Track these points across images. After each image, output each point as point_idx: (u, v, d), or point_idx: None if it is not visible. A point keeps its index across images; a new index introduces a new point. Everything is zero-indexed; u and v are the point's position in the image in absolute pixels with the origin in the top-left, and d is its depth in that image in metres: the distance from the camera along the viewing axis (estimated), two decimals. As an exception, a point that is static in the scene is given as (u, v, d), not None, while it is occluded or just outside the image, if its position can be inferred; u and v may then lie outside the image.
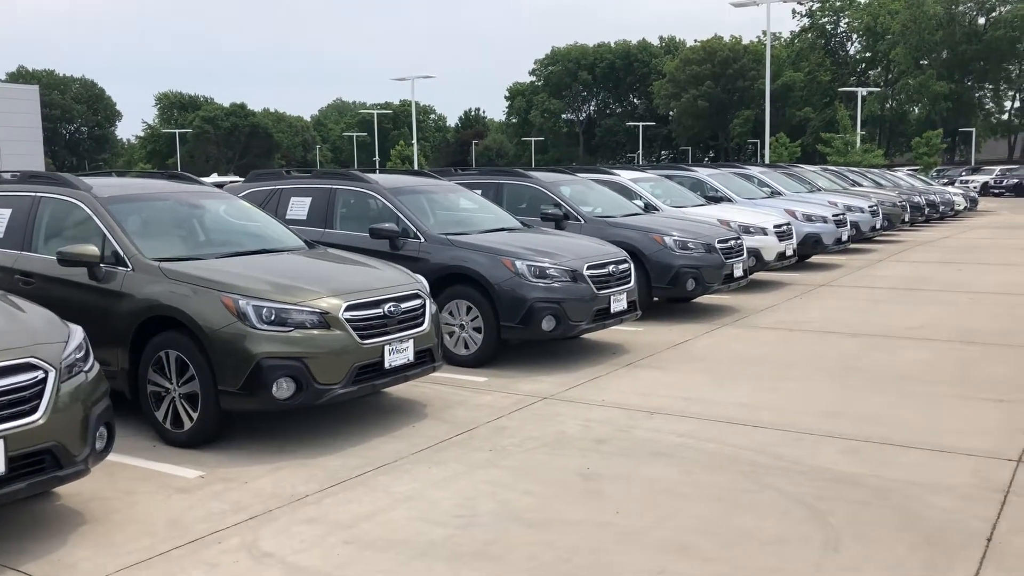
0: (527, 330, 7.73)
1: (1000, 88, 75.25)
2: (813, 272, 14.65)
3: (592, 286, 7.98)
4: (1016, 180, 49.31)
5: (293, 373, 5.47)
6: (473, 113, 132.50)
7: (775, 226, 12.74)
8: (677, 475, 5.18)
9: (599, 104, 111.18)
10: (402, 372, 6.05)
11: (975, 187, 48.30)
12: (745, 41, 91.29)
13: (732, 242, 10.75)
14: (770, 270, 13.32)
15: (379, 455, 5.58)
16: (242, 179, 10.13)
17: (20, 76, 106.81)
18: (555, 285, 7.81)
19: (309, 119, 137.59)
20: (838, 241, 15.07)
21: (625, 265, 8.54)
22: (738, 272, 10.67)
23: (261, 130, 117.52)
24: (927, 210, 25.24)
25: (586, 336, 9.02)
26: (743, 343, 9.04)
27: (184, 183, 7.45)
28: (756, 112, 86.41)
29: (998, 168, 54.50)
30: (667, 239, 10.21)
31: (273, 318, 5.50)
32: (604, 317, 8.13)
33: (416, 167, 50.03)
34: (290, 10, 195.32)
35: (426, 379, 7.19)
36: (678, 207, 13.16)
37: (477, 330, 7.91)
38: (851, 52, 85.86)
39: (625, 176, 13.55)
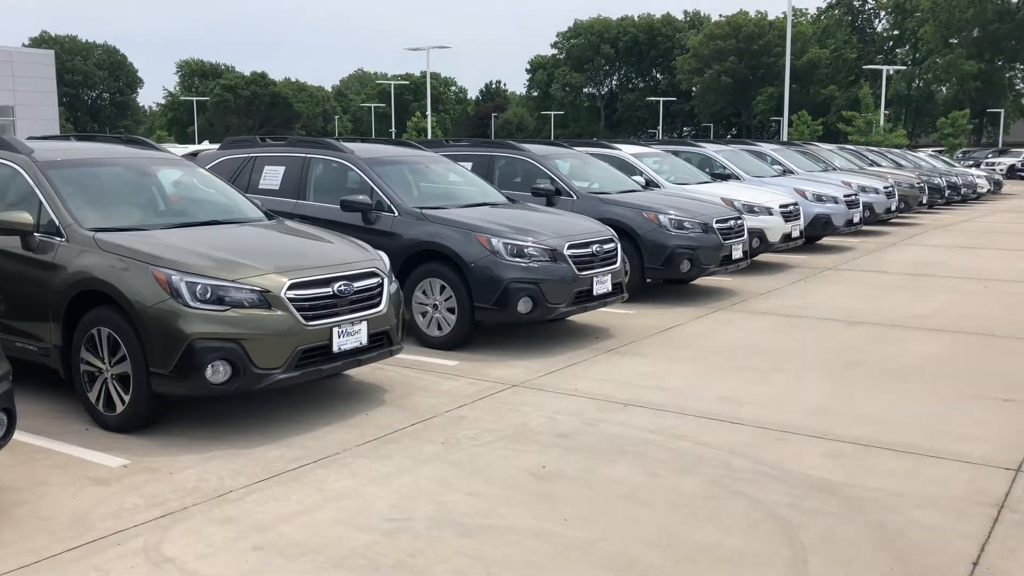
0: (502, 312, 7.28)
1: (1032, 68, 73.24)
2: (822, 255, 14.06)
3: (573, 266, 7.50)
4: (1044, 163, 47.99)
5: (229, 356, 5.05)
6: (494, 86, 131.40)
7: (781, 206, 12.16)
8: (640, 477, 4.73)
9: (621, 79, 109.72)
10: (354, 356, 5.62)
11: (1001, 169, 47.08)
12: (771, 17, 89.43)
13: (732, 222, 10.21)
14: (776, 252, 12.77)
15: (323, 445, 5.17)
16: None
17: (43, 41, 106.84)
18: (533, 265, 7.33)
19: (330, 89, 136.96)
20: (849, 223, 14.46)
21: (611, 245, 8.05)
22: (737, 254, 10.14)
23: (281, 100, 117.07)
24: (948, 192, 24.45)
25: (571, 318, 8.56)
26: (736, 330, 8.55)
27: (139, 148, 7.02)
28: (780, 89, 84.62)
29: (1026, 150, 53.07)
30: (662, 217, 9.69)
31: (208, 296, 5.08)
32: (586, 300, 7.66)
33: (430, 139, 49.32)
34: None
35: (392, 362, 6.80)
36: (681, 184, 12.61)
37: (451, 311, 7.46)
38: (878, 29, 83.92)
39: (627, 151, 12.99)
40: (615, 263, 8.02)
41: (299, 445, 5.18)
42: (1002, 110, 67.45)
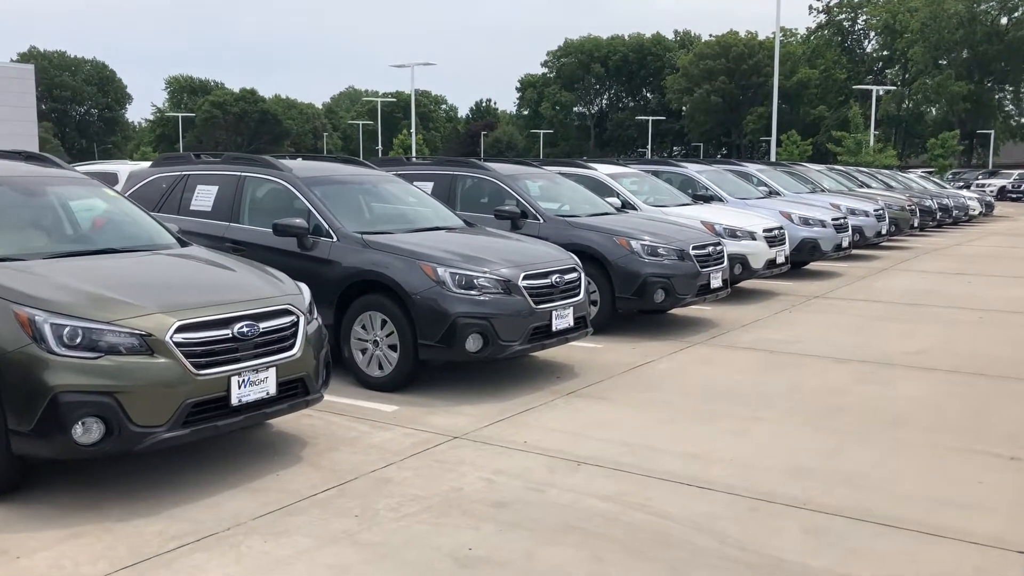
0: (449, 350, 6.50)
1: (1021, 90, 73.31)
2: (809, 281, 13.34)
3: (529, 299, 6.73)
4: (1034, 185, 47.63)
5: (101, 412, 4.27)
6: (484, 104, 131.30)
7: (765, 230, 11.45)
8: (582, 564, 3.95)
9: (611, 98, 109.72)
10: (259, 409, 4.83)
11: (992, 191, 46.67)
12: (761, 37, 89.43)
13: (711, 248, 9.47)
14: (760, 279, 12.05)
15: (215, 517, 4.38)
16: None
17: (32, 57, 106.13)
18: (484, 298, 6.57)
19: (321, 106, 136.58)
20: (838, 247, 13.76)
21: (574, 274, 7.29)
22: (716, 283, 9.39)
23: (271, 116, 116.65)
24: (939, 215, 23.83)
25: (534, 354, 7.78)
26: (713, 368, 7.79)
27: (38, 165, 6.24)
28: (770, 109, 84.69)
29: (1016, 172, 52.74)
30: (634, 243, 8.95)
31: (79, 340, 4.30)
32: (544, 336, 6.89)
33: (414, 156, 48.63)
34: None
35: (323, 407, 6.04)
36: (660, 206, 11.89)
37: (393, 348, 6.69)
38: (868, 50, 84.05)
39: (602, 171, 12.28)
40: (578, 295, 7.26)
41: (187, 517, 4.38)
42: (992, 131, 67.28)
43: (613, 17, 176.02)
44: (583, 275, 7.47)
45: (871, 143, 43.35)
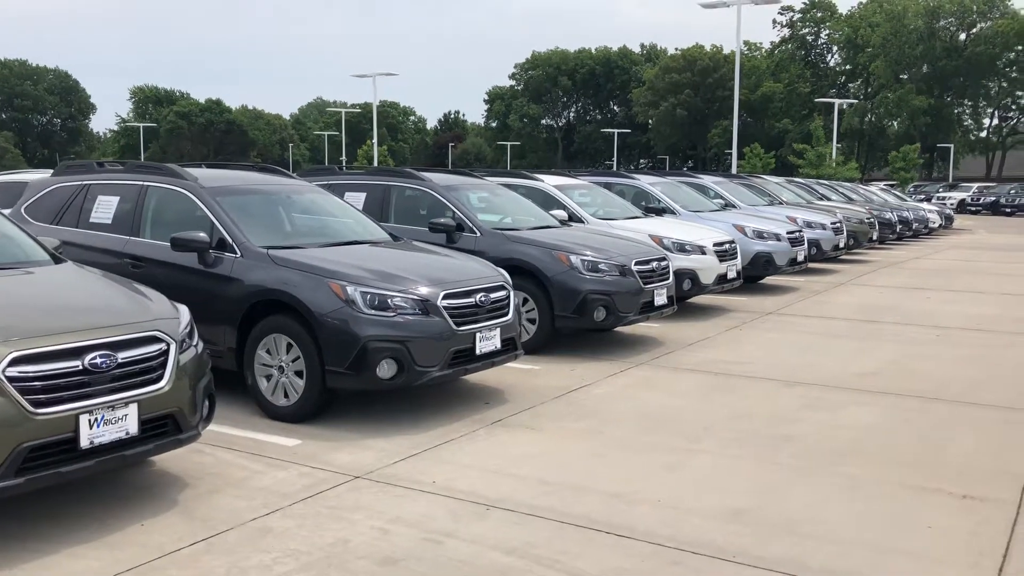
0: (359, 377, 5.92)
1: (979, 105, 74.44)
2: (763, 296, 12.93)
3: (449, 320, 6.17)
4: (993, 198, 48.17)
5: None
6: (452, 116, 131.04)
7: (715, 244, 11.00)
8: (471, 636, 3.39)
9: (579, 110, 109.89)
10: (115, 452, 4.21)
11: (952, 204, 47.06)
12: (726, 51, 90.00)
13: (655, 264, 8.98)
14: (711, 294, 11.60)
15: (51, 581, 3.76)
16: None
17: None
18: (399, 319, 6.00)
19: (289, 117, 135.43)
20: (793, 262, 13.37)
21: (501, 293, 6.75)
22: (660, 300, 8.90)
23: (236, 127, 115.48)
24: (899, 227, 23.67)
25: (464, 377, 7.22)
26: (653, 392, 7.28)
27: None
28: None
29: (975, 185, 53.34)
30: (574, 258, 8.44)
31: None
32: (466, 360, 6.33)
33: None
34: (276, 9, 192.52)
35: (221, 440, 5.48)
36: (609, 219, 11.41)
37: (299, 375, 6.09)
38: (831, 64, 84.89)
39: (549, 182, 11.78)
40: (506, 315, 6.71)
41: (20, 580, 3.76)
42: (951, 145, 68.11)
43: (580, 31, 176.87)
44: (512, 293, 6.92)
45: (833, 155, 43.45)
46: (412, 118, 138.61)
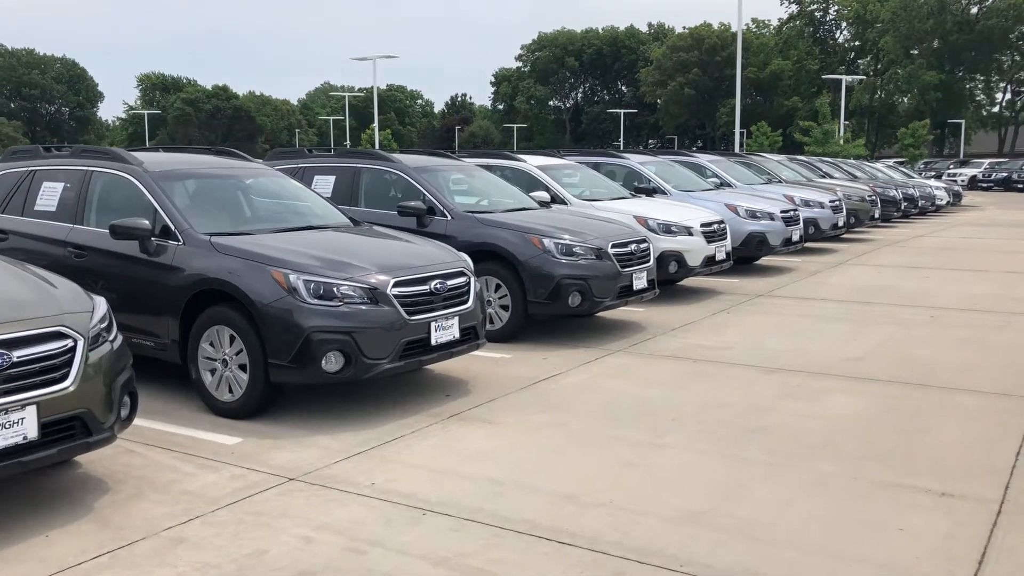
0: (303, 371, 5.59)
1: (991, 79, 73.10)
2: (755, 278, 12.52)
3: (401, 310, 5.83)
4: (1005, 174, 47.31)
5: None
6: (459, 99, 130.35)
7: (703, 224, 10.59)
8: (375, 662, 3.06)
9: (586, 91, 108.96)
10: (11, 458, 3.89)
11: (963, 180, 46.36)
12: (734, 28, 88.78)
13: (633, 246, 8.60)
14: (699, 276, 11.21)
15: (-67, 601, 3.46)
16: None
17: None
18: (345, 309, 5.65)
19: (296, 103, 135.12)
20: (788, 242, 12.94)
21: (460, 280, 6.39)
22: (640, 283, 8.53)
23: (244, 113, 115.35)
24: (904, 205, 23.12)
25: (428, 368, 6.88)
26: (626, 381, 6.92)
27: None
28: (743, 101, 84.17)
29: (987, 161, 52.47)
30: (547, 242, 8.07)
31: None
32: (420, 351, 5.99)
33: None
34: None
35: (155, 438, 5.24)
36: (593, 201, 11.02)
37: (243, 368, 5.76)
38: (840, 40, 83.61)
39: (532, 162, 11.39)
40: (466, 303, 6.36)
41: (-101, 600, 3.46)
42: (963, 121, 67.02)
43: (587, 10, 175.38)
44: (474, 279, 6.56)
45: (841, 132, 42.75)
46: (419, 102, 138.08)
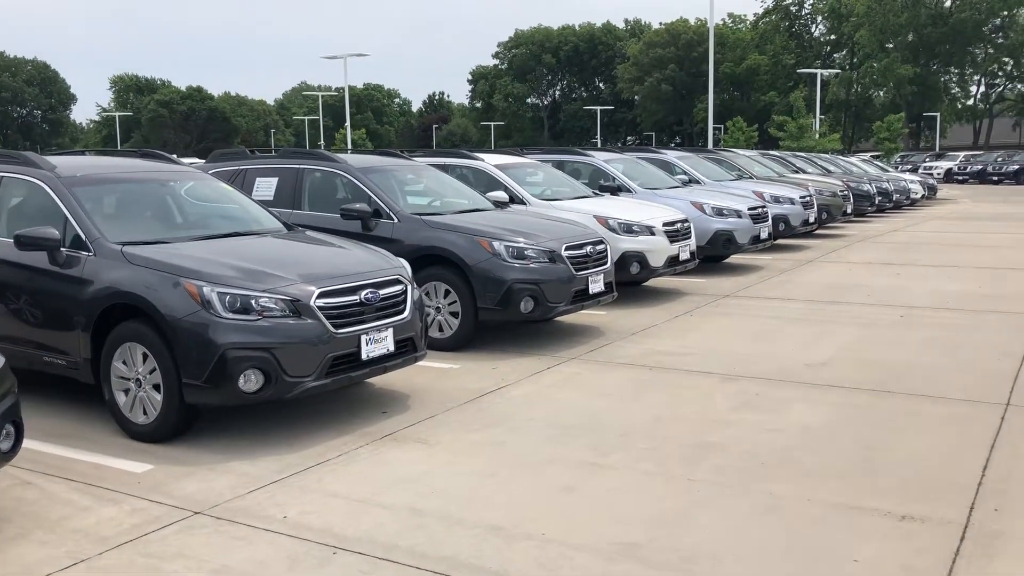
0: (218, 391, 5.16)
1: (966, 72, 73.46)
2: (723, 277, 12.18)
3: (326, 322, 5.41)
4: (980, 167, 47.45)
5: None
6: (437, 97, 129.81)
7: (666, 224, 10.23)
8: None
9: (564, 88, 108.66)
10: None
11: (939, 173, 46.45)
12: (710, 24, 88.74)
13: (589, 248, 8.22)
14: (663, 276, 10.85)
15: None
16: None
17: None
18: (263, 324, 5.23)
19: (273, 103, 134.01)
20: (756, 239, 12.61)
21: (396, 288, 5.97)
22: (596, 287, 8.15)
23: (219, 114, 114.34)
24: (878, 199, 22.89)
25: (368, 382, 6.47)
26: (576, 392, 6.54)
27: None
28: (720, 96, 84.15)
29: (962, 154, 52.64)
30: (497, 245, 7.67)
31: None
32: (349, 367, 5.57)
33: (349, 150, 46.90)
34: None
35: (51, 469, 4.78)
36: (554, 200, 10.63)
37: (156, 388, 5.33)
38: (816, 35, 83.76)
39: (490, 161, 10.99)
40: (402, 313, 5.94)
41: None
42: (938, 114, 67.27)
43: (563, 7, 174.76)
44: (411, 287, 6.15)
45: (817, 126, 42.64)
46: (397, 100, 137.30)
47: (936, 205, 28.47)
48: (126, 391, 5.48)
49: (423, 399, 6.34)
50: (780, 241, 15.78)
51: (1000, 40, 69.30)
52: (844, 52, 79.73)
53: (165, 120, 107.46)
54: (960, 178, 47.13)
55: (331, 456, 5.19)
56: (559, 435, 5.52)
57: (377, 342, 5.70)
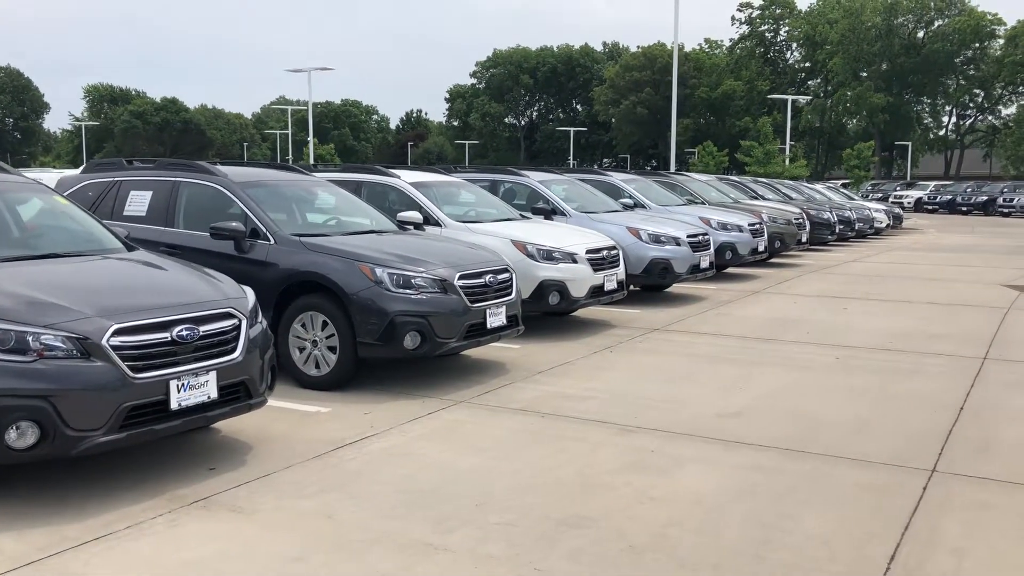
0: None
1: (937, 103, 73.92)
2: (659, 308, 11.39)
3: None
4: (950, 196, 47.33)
5: None
6: (414, 115, 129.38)
7: (589, 251, 9.44)
8: None
9: (541, 109, 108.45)
10: None
11: (909, 202, 46.30)
12: (687, 48, 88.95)
13: (489, 277, 7.37)
14: (592, 306, 10.05)
15: None
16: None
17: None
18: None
19: (251, 117, 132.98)
20: (696, 268, 11.84)
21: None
22: (496, 321, 7.30)
23: (193, 126, 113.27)
24: (839, 227, 22.31)
25: (216, 426, 5.56)
26: (449, 445, 5.68)
27: None
28: (696, 120, 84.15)
29: (932, 184, 52.58)
30: (379, 271, 6.81)
31: None
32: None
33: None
34: (242, 6, 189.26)
35: None
36: (474, 222, 9.81)
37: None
38: (791, 62, 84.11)
39: (407, 178, 10.16)
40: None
41: None
42: (910, 143, 67.48)
43: (542, 28, 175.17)
44: (246, 322, 5.28)
45: (787, 152, 42.30)
46: (375, 117, 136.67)
47: (901, 235, 27.98)
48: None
49: (266, 452, 5.46)
50: (729, 270, 15.07)
51: (972, 72, 69.86)
52: (818, 79, 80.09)
53: (138, 131, 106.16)
54: (930, 207, 47.00)
55: (118, 528, 4.29)
56: (403, 504, 4.66)
57: (193, 388, 4.82)
